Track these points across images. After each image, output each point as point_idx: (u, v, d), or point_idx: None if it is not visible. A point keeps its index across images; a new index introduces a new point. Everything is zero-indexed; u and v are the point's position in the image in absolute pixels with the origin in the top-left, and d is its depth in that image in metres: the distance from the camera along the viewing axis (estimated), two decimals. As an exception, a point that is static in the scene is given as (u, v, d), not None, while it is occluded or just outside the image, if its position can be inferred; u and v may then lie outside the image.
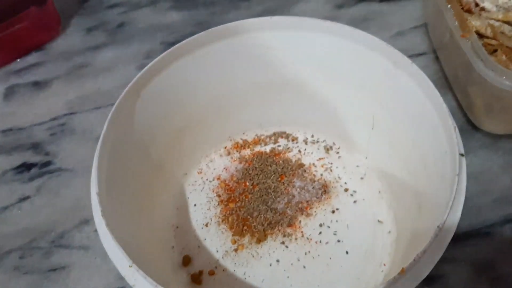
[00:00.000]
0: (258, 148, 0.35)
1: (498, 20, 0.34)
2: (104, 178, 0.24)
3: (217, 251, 0.30)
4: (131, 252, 0.21)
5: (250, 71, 0.32)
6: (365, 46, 0.28)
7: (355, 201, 0.31)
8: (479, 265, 0.29)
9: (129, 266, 0.21)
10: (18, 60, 0.43)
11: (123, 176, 0.27)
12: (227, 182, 0.33)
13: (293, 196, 0.32)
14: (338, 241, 0.30)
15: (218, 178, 0.33)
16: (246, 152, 0.35)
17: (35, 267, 0.31)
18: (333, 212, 0.31)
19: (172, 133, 0.31)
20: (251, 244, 0.30)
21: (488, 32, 0.33)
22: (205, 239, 0.30)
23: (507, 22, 0.34)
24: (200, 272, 0.29)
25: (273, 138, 0.35)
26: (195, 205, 0.32)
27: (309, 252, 0.29)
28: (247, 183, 0.33)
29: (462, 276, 0.28)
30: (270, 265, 0.29)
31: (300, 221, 0.31)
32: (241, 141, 0.35)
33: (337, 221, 0.31)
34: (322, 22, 0.29)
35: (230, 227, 0.31)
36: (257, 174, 0.33)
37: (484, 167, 0.33)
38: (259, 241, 0.30)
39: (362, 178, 0.33)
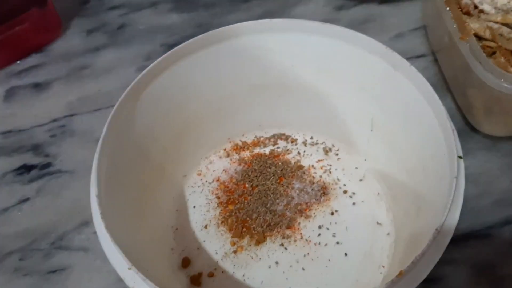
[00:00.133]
0: (257, 150, 0.35)
1: (496, 22, 0.34)
2: (104, 180, 0.24)
3: (216, 253, 0.30)
4: (130, 254, 0.21)
5: (250, 73, 0.32)
6: (364, 49, 0.28)
7: (354, 203, 0.32)
8: (478, 267, 0.29)
9: (128, 269, 0.21)
10: (19, 61, 0.43)
11: (122, 178, 0.27)
12: (226, 184, 0.33)
13: (292, 198, 0.32)
14: (337, 243, 0.30)
15: (218, 180, 0.33)
16: (246, 154, 0.35)
17: (35, 268, 0.31)
18: (332, 214, 0.31)
19: (171, 135, 0.31)
20: (250, 246, 0.30)
21: (487, 35, 0.33)
22: (204, 241, 0.31)
23: (506, 24, 0.34)
24: (200, 274, 0.29)
25: (272, 140, 0.35)
26: (194, 207, 0.32)
27: (308, 254, 0.29)
28: (247, 185, 0.33)
29: (462, 278, 0.29)
30: (269, 267, 0.29)
31: (299, 223, 0.31)
32: (240, 143, 0.35)
33: (336, 223, 0.31)
34: (321, 24, 0.29)
35: (229, 229, 0.31)
36: (256, 176, 0.33)
37: (483, 169, 0.33)
38: (258, 243, 0.30)
39: (361, 180, 0.33)
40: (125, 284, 0.21)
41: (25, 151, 0.37)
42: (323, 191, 0.32)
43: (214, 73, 0.31)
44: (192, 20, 0.45)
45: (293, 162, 0.34)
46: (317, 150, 0.35)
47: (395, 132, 0.29)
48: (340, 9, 0.45)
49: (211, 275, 0.29)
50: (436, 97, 0.25)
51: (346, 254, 0.29)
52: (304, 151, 0.35)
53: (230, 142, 0.35)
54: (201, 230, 0.31)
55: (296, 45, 0.30)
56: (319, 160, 0.34)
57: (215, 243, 0.30)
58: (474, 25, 0.33)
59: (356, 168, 0.33)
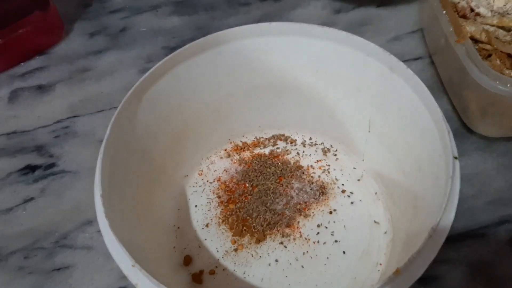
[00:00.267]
0: (257, 151, 0.35)
1: (492, 25, 0.35)
2: (107, 180, 0.24)
3: (217, 251, 0.30)
4: (133, 252, 0.22)
5: (250, 75, 0.32)
6: (361, 51, 0.29)
7: (352, 202, 0.32)
8: (474, 266, 0.29)
9: (132, 266, 0.22)
10: (22, 64, 0.43)
11: (125, 178, 0.27)
12: (227, 183, 0.34)
13: (292, 197, 0.32)
14: (336, 241, 0.30)
15: (219, 180, 0.34)
16: (246, 154, 0.35)
17: (39, 267, 0.31)
18: (330, 213, 0.32)
19: (173, 135, 0.32)
20: (250, 244, 0.31)
21: (483, 37, 0.34)
22: (205, 240, 0.31)
23: (502, 27, 0.35)
24: (201, 272, 0.30)
25: (272, 140, 0.36)
26: (196, 206, 0.33)
27: (307, 252, 0.30)
28: (247, 185, 0.33)
29: (458, 277, 0.29)
30: (269, 265, 0.30)
31: (298, 222, 0.31)
32: (241, 144, 0.36)
33: (334, 222, 0.31)
34: (319, 27, 0.29)
35: (230, 227, 0.31)
36: (256, 176, 0.33)
37: (479, 169, 0.33)
38: (258, 241, 0.31)
39: (359, 180, 0.33)
40: (128, 282, 0.22)
41: (29, 151, 0.37)
42: (322, 190, 0.33)
43: (215, 75, 0.31)
44: (193, 23, 0.46)
45: (292, 162, 0.34)
46: (316, 151, 0.35)
47: (392, 133, 0.30)
48: (338, 12, 0.45)
49: (212, 272, 0.29)
50: (432, 98, 0.25)
51: (344, 252, 0.30)
52: (303, 152, 0.35)
53: (230, 142, 0.36)
54: (202, 228, 0.32)
55: (295, 48, 0.31)
56: (317, 161, 0.35)
57: (216, 241, 0.31)
58: (470, 28, 0.34)
59: (354, 168, 0.34)
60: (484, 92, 0.30)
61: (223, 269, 0.30)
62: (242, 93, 0.33)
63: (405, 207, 0.29)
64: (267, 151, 0.35)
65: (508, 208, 0.31)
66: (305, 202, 0.32)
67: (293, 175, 0.33)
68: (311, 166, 0.34)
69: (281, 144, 0.36)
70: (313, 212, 0.32)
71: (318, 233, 0.31)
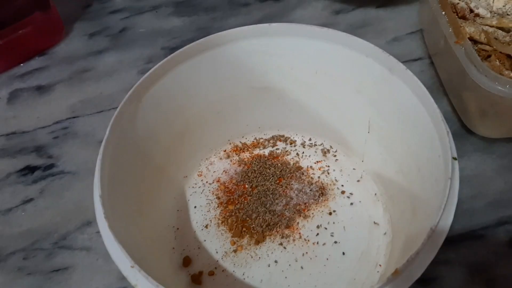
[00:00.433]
0: (257, 151, 0.35)
1: (492, 26, 0.35)
2: (107, 180, 0.24)
3: (217, 252, 0.30)
4: (132, 253, 0.22)
5: (250, 76, 0.32)
6: (361, 52, 0.29)
7: (351, 203, 0.32)
8: (473, 267, 0.29)
9: (131, 267, 0.22)
10: (22, 64, 0.43)
11: (125, 179, 0.27)
12: (226, 184, 0.34)
13: (291, 198, 0.32)
14: (335, 242, 0.30)
15: (218, 181, 0.34)
16: (245, 155, 0.35)
17: (38, 268, 0.31)
18: (330, 214, 0.32)
19: (173, 136, 0.32)
20: (250, 245, 0.31)
21: (482, 38, 0.34)
22: (205, 241, 0.31)
23: (501, 28, 0.35)
24: (200, 273, 0.30)
25: (271, 141, 0.36)
26: (195, 207, 0.33)
27: (306, 253, 0.30)
28: (246, 186, 0.33)
29: (457, 277, 0.29)
30: (269, 266, 0.30)
31: (297, 223, 0.31)
32: (240, 145, 0.36)
33: (334, 222, 0.31)
34: (319, 29, 0.29)
35: (230, 228, 0.31)
36: (256, 177, 0.33)
37: (478, 170, 0.33)
38: (257, 242, 0.31)
39: (358, 181, 0.33)
40: (127, 283, 0.22)
41: (29, 152, 0.37)
42: (321, 191, 0.33)
43: (214, 76, 0.32)
44: (193, 23, 0.46)
45: (292, 163, 0.34)
46: (316, 152, 0.35)
47: (392, 134, 0.30)
48: (338, 13, 0.45)
49: (211, 274, 0.29)
50: (431, 100, 0.26)
51: (343, 253, 0.30)
52: (303, 153, 0.35)
53: (230, 143, 0.36)
54: (202, 229, 0.32)
55: (295, 49, 0.31)
56: (317, 161, 0.35)
57: (215, 242, 0.31)
58: (469, 29, 0.34)
59: (354, 169, 0.34)
60: (483, 93, 0.30)
61: (223, 270, 0.30)
62: (242, 94, 0.33)
63: (405, 208, 0.29)
64: (266, 152, 0.35)
65: (507, 209, 0.31)
66: (305, 203, 0.32)
67: (292, 176, 0.33)
68: (311, 167, 0.34)
69: (280, 145, 0.36)
70: (312, 213, 0.32)
71: (317, 234, 0.31)
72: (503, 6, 0.37)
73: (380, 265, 0.29)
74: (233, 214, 0.32)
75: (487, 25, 0.35)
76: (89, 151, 0.37)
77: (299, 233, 0.31)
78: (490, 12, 0.36)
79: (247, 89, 0.33)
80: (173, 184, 0.33)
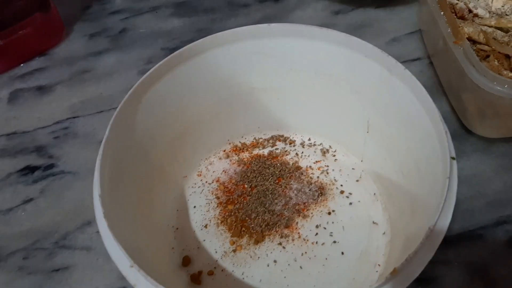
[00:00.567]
0: (256, 151, 0.36)
1: (490, 26, 0.35)
2: (106, 180, 0.25)
3: (216, 252, 0.30)
4: (132, 253, 0.22)
5: (249, 76, 0.33)
6: (360, 53, 0.29)
7: (350, 203, 0.32)
8: (472, 267, 0.29)
9: (130, 266, 0.22)
10: (22, 65, 0.44)
11: (124, 179, 0.27)
12: (226, 184, 0.34)
13: (290, 198, 0.32)
14: (334, 242, 0.30)
15: (217, 181, 0.34)
16: (245, 155, 0.35)
17: (39, 267, 0.31)
18: (329, 213, 0.32)
19: (172, 136, 0.32)
20: (249, 245, 0.31)
21: (481, 38, 0.34)
22: (204, 240, 0.31)
23: (500, 28, 0.35)
24: (200, 273, 0.30)
25: (271, 141, 0.36)
26: (194, 207, 0.33)
27: (305, 253, 0.30)
28: (246, 186, 0.33)
29: (456, 277, 0.29)
30: (268, 266, 0.30)
31: (297, 223, 0.31)
32: (239, 145, 0.36)
33: (333, 222, 0.31)
34: (318, 29, 0.29)
35: (229, 228, 0.31)
36: (255, 177, 0.33)
37: (478, 170, 0.34)
38: (257, 242, 0.31)
39: (357, 181, 0.33)
40: (127, 282, 0.22)
41: (29, 152, 0.37)
42: (321, 191, 0.33)
43: (214, 76, 0.32)
44: (193, 24, 0.46)
45: (291, 163, 0.35)
46: (315, 152, 0.35)
47: (391, 134, 0.30)
48: (338, 13, 0.45)
49: (211, 273, 0.30)
50: (430, 100, 0.26)
51: (342, 253, 0.30)
52: (302, 153, 0.35)
53: (229, 143, 0.36)
54: (201, 229, 0.32)
55: (294, 49, 0.31)
56: (316, 161, 0.35)
57: (214, 242, 0.31)
58: (468, 29, 0.34)
59: (353, 169, 0.34)
60: (482, 93, 0.30)
61: (222, 270, 0.30)
62: (242, 94, 0.33)
63: (404, 207, 0.29)
64: (266, 152, 0.35)
65: (506, 209, 0.32)
66: (304, 203, 0.32)
67: (292, 175, 0.34)
68: (310, 166, 0.34)
69: (280, 145, 0.36)
70: (311, 213, 0.32)
71: (316, 233, 0.31)
72: (502, 6, 0.37)
73: (379, 265, 0.29)
74: (232, 214, 0.32)
75: (486, 25, 0.35)
76: (89, 151, 0.37)
77: (298, 233, 0.31)
78: (489, 12, 0.36)
79: (246, 90, 0.33)
80: (172, 184, 0.33)
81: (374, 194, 0.32)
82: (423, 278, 0.21)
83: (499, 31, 0.35)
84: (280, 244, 0.31)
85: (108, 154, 0.25)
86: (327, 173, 0.34)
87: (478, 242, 0.30)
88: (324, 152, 0.35)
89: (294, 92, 0.33)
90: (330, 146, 0.35)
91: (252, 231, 0.31)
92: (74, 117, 0.39)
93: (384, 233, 0.30)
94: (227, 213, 0.32)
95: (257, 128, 0.36)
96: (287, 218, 0.31)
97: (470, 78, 0.30)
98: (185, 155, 0.34)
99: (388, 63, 0.28)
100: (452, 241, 0.30)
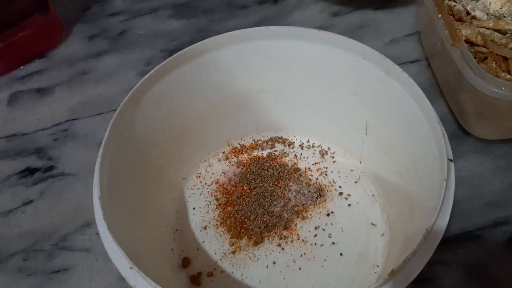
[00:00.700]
0: (255, 153, 0.36)
1: (488, 28, 0.35)
2: (106, 182, 0.25)
3: (215, 253, 0.31)
4: (132, 254, 0.22)
5: (248, 78, 0.33)
6: (358, 55, 0.29)
7: (349, 205, 0.32)
8: (470, 267, 0.29)
9: (130, 268, 0.22)
10: (22, 67, 0.44)
11: (124, 181, 0.27)
12: (225, 186, 0.34)
13: (289, 199, 0.33)
14: (333, 243, 0.31)
15: (217, 182, 0.34)
16: (244, 157, 0.35)
17: (38, 269, 0.31)
18: (328, 215, 0.32)
19: (171, 138, 0.32)
20: (248, 246, 0.31)
21: (479, 40, 0.34)
22: (203, 242, 0.31)
23: (498, 30, 0.35)
24: (199, 274, 0.30)
25: (270, 143, 0.36)
26: (194, 208, 0.33)
27: (304, 254, 0.30)
28: (245, 187, 0.33)
29: (454, 278, 0.29)
30: (267, 267, 0.30)
31: (296, 224, 0.32)
32: (238, 146, 0.36)
33: (332, 224, 0.31)
34: (316, 31, 0.30)
35: (228, 230, 0.31)
36: (254, 178, 0.34)
37: (475, 171, 0.34)
38: (256, 243, 0.31)
39: (356, 182, 0.33)
40: (126, 283, 0.22)
41: (29, 154, 0.37)
42: (319, 193, 0.33)
43: (213, 78, 0.32)
44: (192, 26, 0.46)
45: (290, 164, 0.35)
46: (314, 153, 0.35)
47: (389, 135, 0.30)
48: (336, 15, 0.45)
49: (210, 274, 0.30)
50: (427, 102, 0.26)
51: (341, 254, 0.30)
52: (301, 154, 0.35)
53: (228, 145, 0.36)
54: (201, 231, 0.32)
55: (292, 51, 0.31)
56: (315, 163, 0.35)
57: (214, 243, 0.31)
58: (466, 31, 0.34)
59: (351, 170, 0.34)
60: (479, 95, 0.30)
61: (221, 271, 0.30)
62: (240, 96, 0.34)
63: (402, 209, 0.29)
64: (265, 153, 0.36)
65: (504, 210, 0.32)
66: (303, 204, 0.32)
67: (290, 177, 0.34)
68: (309, 168, 0.34)
69: (279, 146, 0.36)
70: (310, 214, 0.32)
71: (315, 235, 0.31)
72: (500, 8, 0.37)
73: (377, 266, 0.29)
74: (231, 215, 0.32)
75: (483, 27, 0.35)
76: (89, 153, 0.37)
77: (297, 234, 0.31)
78: (487, 14, 0.37)
79: (245, 91, 0.33)
80: (172, 186, 0.33)
81: (373, 195, 0.33)
82: (421, 278, 0.21)
83: (497, 33, 0.35)
84: (279, 245, 0.31)
85: (108, 155, 0.26)
86: (326, 174, 0.34)
87: (476, 242, 0.30)
88: (323, 153, 0.35)
89: (293, 94, 0.34)
90: (328, 148, 0.35)
91: (251, 232, 0.31)
92: (73, 119, 0.40)
93: (382, 234, 0.31)
94: (226, 215, 0.32)
95: (256, 130, 0.36)
96: (286, 220, 0.32)
97: (467, 80, 0.30)
98: (184, 157, 0.34)
99: (385, 65, 0.28)
100: (450, 241, 0.30)
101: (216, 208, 0.33)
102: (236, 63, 0.31)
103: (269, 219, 0.31)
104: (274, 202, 0.32)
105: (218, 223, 0.32)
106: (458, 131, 0.36)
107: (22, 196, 0.35)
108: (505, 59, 0.33)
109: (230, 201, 0.33)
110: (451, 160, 0.24)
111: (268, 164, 0.35)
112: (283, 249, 0.31)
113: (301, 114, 0.35)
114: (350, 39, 0.29)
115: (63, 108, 0.40)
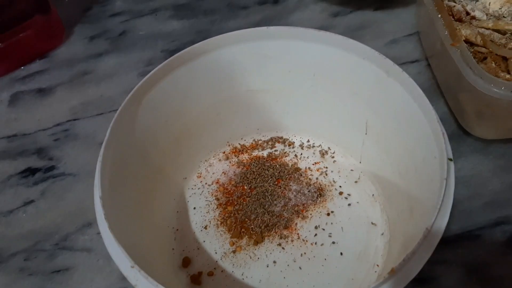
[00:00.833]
0: (255, 153, 0.36)
1: (488, 29, 0.35)
2: (107, 182, 0.25)
3: (216, 253, 0.31)
4: (133, 254, 0.22)
5: (248, 78, 0.33)
6: (358, 55, 0.29)
7: (349, 204, 0.32)
8: (470, 267, 0.30)
9: (131, 267, 0.22)
10: (23, 67, 0.44)
11: (125, 180, 0.27)
12: (225, 186, 0.34)
13: (290, 199, 0.33)
14: (333, 242, 0.31)
15: (217, 182, 0.34)
16: (244, 157, 0.36)
17: (39, 269, 0.31)
18: (328, 214, 0.32)
19: (172, 138, 0.32)
20: (248, 246, 0.31)
21: (478, 40, 0.34)
22: (204, 241, 0.31)
23: (497, 30, 0.35)
24: (200, 273, 0.30)
25: (270, 143, 0.36)
26: (194, 208, 0.33)
27: (305, 253, 0.30)
28: (245, 187, 0.33)
29: (454, 277, 0.29)
30: (267, 266, 0.30)
31: (296, 224, 0.32)
32: (239, 146, 0.36)
33: (332, 223, 0.32)
34: (316, 32, 0.30)
35: (229, 229, 0.32)
36: (254, 178, 0.34)
37: (475, 171, 0.34)
38: (256, 243, 0.31)
39: (356, 182, 0.33)
40: (127, 283, 0.22)
41: (30, 154, 0.38)
42: (320, 192, 0.33)
43: (213, 78, 0.32)
44: (192, 26, 0.46)
45: (290, 164, 0.35)
46: (314, 153, 0.35)
47: (389, 135, 0.30)
48: (336, 15, 0.46)
49: (210, 274, 0.30)
50: (427, 101, 0.26)
51: (341, 254, 0.30)
52: (301, 154, 0.35)
53: (229, 145, 0.36)
54: (201, 230, 0.32)
55: (292, 52, 0.31)
56: (315, 163, 0.35)
57: (214, 243, 0.31)
58: (465, 31, 0.34)
59: (352, 170, 0.34)
60: (479, 95, 0.30)
61: (222, 271, 0.30)
62: (241, 96, 0.34)
63: (402, 208, 0.29)
64: (265, 153, 0.36)
65: (504, 209, 0.32)
66: (303, 204, 0.32)
67: (291, 177, 0.34)
68: (309, 168, 0.35)
69: (279, 146, 0.36)
70: (310, 214, 0.32)
71: (315, 234, 0.31)
72: (499, 8, 0.37)
73: (377, 265, 0.29)
74: (232, 215, 0.32)
75: (483, 27, 0.35)
76: (90, 153, 0.37)
77: (298, 234, 0.31)
78: (486, 14, 0.37)
79: (245, 91, 0.34)
80: (172, 186, 0.33)
81: (373, 195, 0.33)
82: (421, 278, 0.21)
83: (496, 33, 0.35)
84: (279, 245, 0.31)
85: (109, 156, 0.26)
86: (326, 174, 0.34)
87: (476, 242, 0.31)
88: (323, 153, 0.35)
89: (293, 94, 0.34)
90: (329, 148, 0.35)
91: (251, 232, 0.31)
92: (74, 119, 0.40)
93: (382, 234, 0.31)
94: (226, 214, 0.32)
95: (256, 129, 0.36)
96: (286, 219, 0.32)
97: (467, 80, 0.30)
98: (185, 156, 0.34)
99: (385, 65, 0.28)
100: (450, 241, 0.30)
101: (217, 207, 0.33)
102: (236, 63, 0.32)
103: (270, 219, 0.32)
104: (275, 202, 0.32)
105: (219, 222, 0.32)
106: (458, 131, 0.36)
107: (23, 196, 0.35)
108: (505, 59, 0.33)
109: (231, 201, 0.33)
110: (450, 160, 0.24)
111: (268, 164, 0.35)
112: (283, 248, 0.31)
113: (301, 114, 0.35)
114: (350, 39, 0.29)
115: (64, 108, 0.40)
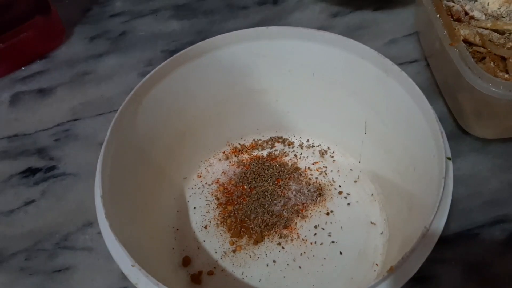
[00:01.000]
0: (255, 153, 0.36)
1: (486, 29, 0.36)
2: (108, 181, 0.25)
3: (216, 252, 0.31)
4: (133, 253, 0.22)
5: (248, 78, 0.33)
6: (357, 55, 0.29)
7: (348, 204, 0.33)
8: (469, 265, 0.30)
9: (132, 266, 0.22)
10: (23, 68, 0.44)
11: (125, 180, 0.28)
12: (225, 185, 0.34)
13: (289, 198, 0.33)
14: (333, 242, 0.31)
15: (217, 182, 0.34)
16: (244, 157, 0.36)
17: (40, 268, 0.32)
18: (327, 214, 0.32)
19: (172, 138, 0.32)
20: (248, 245, 0.31)
21: (477, 40, 0.34)
22: (204, 241, 0.31)
23: (496, 30, 0.36)
24: (200, 273, 0.30)
25: (270, 143, 0.36)
26: (194, 208, 0.33)
27: (304, 252, 0.30)
28: (245, 187, 0.34)
29: (453, 276, 0.29)
30: (267, 266, 0.30)
31: (296, 223, 0.32)
32: (239, 146, 0.36)
33: (331, 223, 0.32)
34: (316, 31, 0.30)
35: (229, 229, 0.32)
36: (254, 178, 0.34)
37: (474, 170, 0.34)
38: (256, 242, 0.31)
39: (355, 181, 0.34)
40: (128, 282, 0.22)
41: (30, 154, 0.38)
42: (319, 192, 0.33)
43: (213, 78, 0.32)
44: (192, 27, 0.46)
45: (290, 164, 0.35)
46: (313, 153, 0.36)
47: (388, 134, 0.30)
48: (336, 16, 0.46)
49: (210, 273, 0.30)
50: (426, 101, 0.26)
51: (341, 253, 0.30)
52: (301, 154, 0.36)
53: (229, 145, 0.36)
54: (201, 230, 0.32)
55: (292, 52, 0.31)
56: (315, 162, 0.35)
57: (214, 242, 0.31)
58: (464, 31, 0.34)
59: (351, 169, 0.34)
60: (478, 95, 0.30)
61: (222, 270, 0.30)
62: (240, 96, 0.34)
63: (401, 207, 0.29)
64: (265, 153, 0.36)
65: (502, 208, 0.32)
66: (303, 204, 0.33)
67: (290, 176, 0.34)
68: (309, 167, 0.35)
69: (278, 146, 0.36)
70: (310, 213, 0.32)
71: (315, 234, 0.31)
72: (498, 8, 0.37)
73: (377, 264, 0.29)
74: (232, 214, 0.32)
75: (482, 27, 0.35)
76: (90, 153, 0.37)
77: (297, 233, 0.31)
78: (485, 14, 0.37)
79: (245, 91, 0.34)
80: (172, 185, 0.34)
81: (372, 194, 0.33)
82: (420, 276, 0.22)
83: (495, 33, 0.35)
84: (279, 244, 0.31)
85: (109, 155, 0.26)
86: (326, 174, 0.34)
87: (475, 241, 0.31)
88: (323, 153, 0.35)
89: (293, 94, 0.34)
90: (328, 147, 0.36)
91: (251, 231, 0.31)
92: (75, 119, 0.40)
93: (381, 233, 0.31)
94: (226, 214, 0.32)
95: (256, 129, 0.37)
96: (286, 219, 0.32)
97: (465, 80, 0.30)
98: (185, 156, 0.34)
99: (384, 65, 0.28)
100: (449, 240, 0.31)
101: (217, 207, 0.33)
102: (236, 63, 0.32)
103: (269, 218, 0.32)
104: (274, 201, 0.32)
105: (219, 222, 0.32)
106: (457, 131, 0.36)
107: (24, 196, 0.35)
108: (503, 59, 0.33)
109: (231, 201, 0.33)
110: (449, 159, 0.25)
111: (268, 164, 0.35)
112: (283, 248, 0.31)
113: (301, 114, 0.35)
114: (350, 39, 0.29)
115: (65, 109, 0.40)
